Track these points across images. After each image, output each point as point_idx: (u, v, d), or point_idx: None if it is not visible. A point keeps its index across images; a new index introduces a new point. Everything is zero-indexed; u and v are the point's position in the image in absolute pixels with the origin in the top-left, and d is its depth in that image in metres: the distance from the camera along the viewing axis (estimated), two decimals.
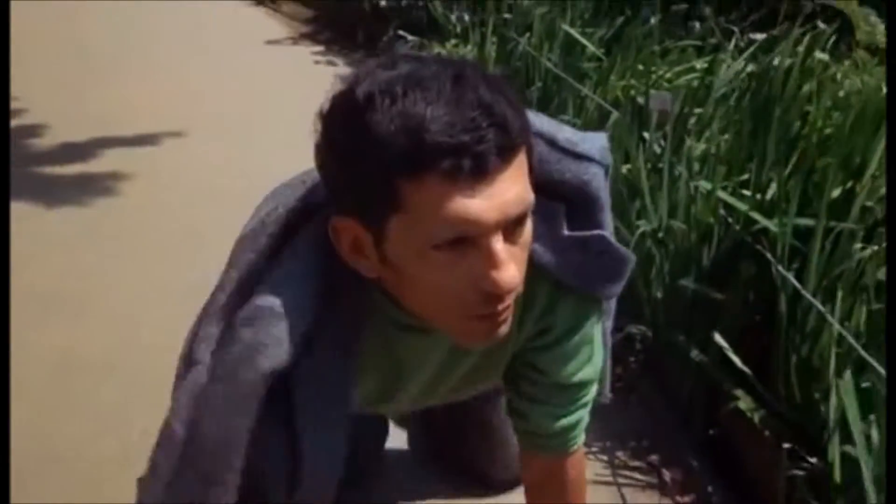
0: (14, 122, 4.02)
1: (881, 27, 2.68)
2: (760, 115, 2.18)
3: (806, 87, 2.26)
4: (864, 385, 1.50)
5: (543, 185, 1.04)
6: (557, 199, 1.12)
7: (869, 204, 1.85)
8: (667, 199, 2.12)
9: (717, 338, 1.85)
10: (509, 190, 0.93)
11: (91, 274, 2.73)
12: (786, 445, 1.66)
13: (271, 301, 1.02)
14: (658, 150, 2.35)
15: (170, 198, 3.27)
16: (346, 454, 1.12)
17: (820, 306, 1.68)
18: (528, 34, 3.84)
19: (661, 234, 2.12)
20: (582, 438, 1.32)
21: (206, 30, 5.76)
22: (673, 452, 1.98)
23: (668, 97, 2.47)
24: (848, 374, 1.48)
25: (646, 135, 2.48)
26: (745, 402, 1.76)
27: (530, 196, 0.96)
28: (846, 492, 1.44)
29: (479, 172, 0.90)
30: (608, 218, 1.19)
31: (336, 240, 1.01)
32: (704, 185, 2.05)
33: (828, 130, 2.04)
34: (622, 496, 1.87)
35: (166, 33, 5.65)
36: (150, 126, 3.98)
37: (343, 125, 0.94)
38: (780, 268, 1.79)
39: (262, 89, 4.56)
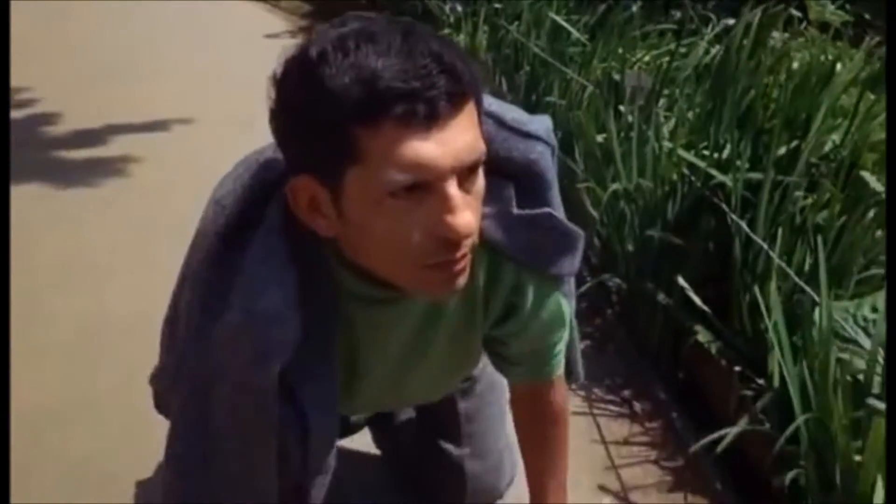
0: (30, 111, 4.23)
1: (830, 6, 2.92)
2: (719, 87, 2.39)
3: (765, 63, 2.48)
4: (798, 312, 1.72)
5: (491, 162, 1.04)
6: (505, 177, 1.14)
7: (813, 160, 2.07)
8: (636, 161, 2.33)
9: (681, 281, 2.06)
10: (461, 137, 0.95)
11: (102, 249, 2.91)
12: (737, 368, 1.88)
13: (265, 305, 1.06)
14: (630, 120, 2.57)
15: (176, 180, 3.44)
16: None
17: (765, 245, 1.89)
18: (517, 22, 4.05)
19: (633, 194, 2.33)
20: (561, 367, 1.37)
21: (209, 25, 5.93)
22: (643, 387, 2.20)
23: (638, 73, 2.68)
24: (773, 285, 1.69)
25: (621, 108, 2.70)
26: (703, 336, 1.98)
27: (482, 145, 0.98)
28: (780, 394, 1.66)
29: (432, 117, 0.92)
30: (556, 197, 1.20)
31: (293, 200, 1.02)
32: (668, 145, 2.26)
33: (774, 102, 2.25)
34: (597, 425, 2.09)
35: (171, 30, 5.83)
36: (158, 114, 4.17)
37: (298, 82, 0.97)
38: (734, 217, 2.01)
39: (263, 80, 4.73)
